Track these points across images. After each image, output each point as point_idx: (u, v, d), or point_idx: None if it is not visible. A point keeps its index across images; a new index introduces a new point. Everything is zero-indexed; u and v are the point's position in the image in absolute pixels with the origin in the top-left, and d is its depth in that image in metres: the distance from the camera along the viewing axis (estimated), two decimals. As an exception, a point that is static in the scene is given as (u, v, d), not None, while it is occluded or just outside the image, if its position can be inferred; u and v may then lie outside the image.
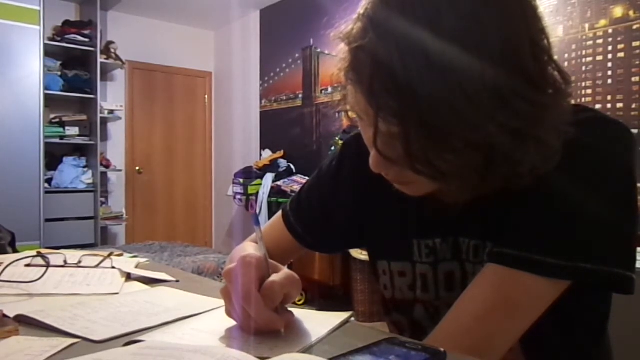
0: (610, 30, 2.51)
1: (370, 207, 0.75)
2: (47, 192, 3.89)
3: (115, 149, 4.91)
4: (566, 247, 0.52)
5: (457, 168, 0.49)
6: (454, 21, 0.46)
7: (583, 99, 2.58)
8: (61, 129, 4.19)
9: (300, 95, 4.47)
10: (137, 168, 5.10)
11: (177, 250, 3.44)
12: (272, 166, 4.32)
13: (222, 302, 0.55)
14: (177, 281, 0.81)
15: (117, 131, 4.94)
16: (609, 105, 2.50)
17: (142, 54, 5.03)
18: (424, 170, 0.49)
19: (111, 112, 4.57)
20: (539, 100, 0.48)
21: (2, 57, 3.59)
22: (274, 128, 4.79)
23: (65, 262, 0.85)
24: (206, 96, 5.60)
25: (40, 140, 3.74)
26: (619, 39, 2.47)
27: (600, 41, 2.54)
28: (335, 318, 0.58)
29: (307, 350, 0.49)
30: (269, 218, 0.85)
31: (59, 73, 4.20)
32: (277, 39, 4.70)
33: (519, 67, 0.47)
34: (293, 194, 0.95)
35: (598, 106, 2.49)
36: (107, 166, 4.58)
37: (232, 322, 0.54)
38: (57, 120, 4.23)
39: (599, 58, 2.54)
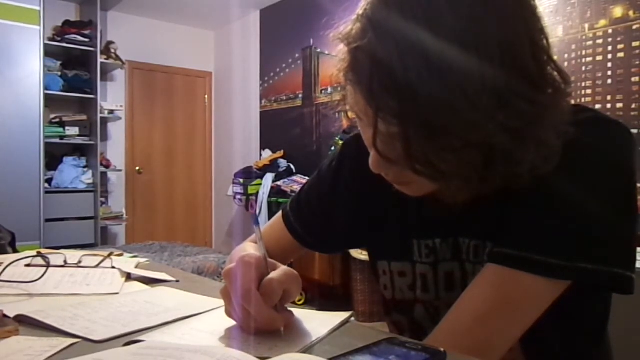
0: (610, 30, 2.51)
1: (370, 207, 0.75)
2: (47, 192, 3.89)
3: (115, 149, 4.91)
4: (566, 247, 0.52)
5: (456, 168, 0.49)
6: (453, 21, 0.46)
7: (583, 99, 2.58)
8: (61, 129, 4.19)
9: (300, 95, 4.47)
10: (137, 168, 5.10)
11: (177, 250, 3.44)
12: (272, 166, 4.32)
13: (222, 302, 0.55)
14: (177, 281, 0.81)
15: (117, 131, 4.94)
16: (608, 105, 2.50)
17: (142, 54, 5.03)
18: (423, 170, 0.50)
19: (111, 112, 4.57)
20: (538, 100, 0.48)
21: (2, 57, 3.59)
22: (274, 128, 4.79)
23: (65, 262, 0.85)
24: (206, 96, 5.60)
25: (40, 140, 3.75)
26: (618, 39, 2.47)
27: (600, 41, 2.54)
28: (335, 318, 0.58)
29: (307, 350, 0.49)
30: (269, 218, 0.85)
31: (59, 73, 4.20)
32: (277, 39, 4.70)
33: (519, 67, 0.47)
34: (293, 194, 0.95)
35: (598, 106, 2.49)
36: (107, 166, 4.58)
37: (232, 322, 0.54)
38: (57, 120, 4.23)
39: (599, 58, 2.54)
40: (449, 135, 0.47)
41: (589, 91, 2.57)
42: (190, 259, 3.08)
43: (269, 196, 4.03)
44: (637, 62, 2.41)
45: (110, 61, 4.54)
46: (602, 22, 2.53)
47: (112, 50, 4.58)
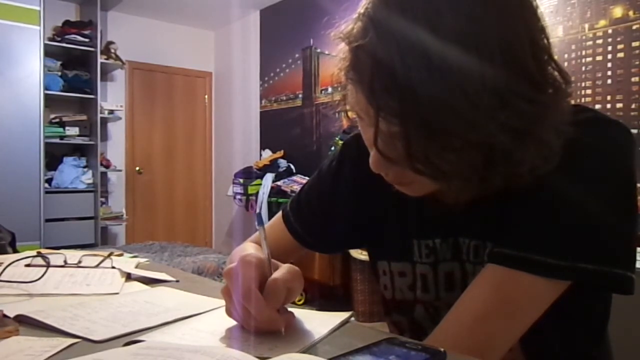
0: (610, 31, 2.51)
1: (370, 207, 0.75)
2: (47, 192, 3.89)
3: (115, 149, 4.91)
4: (566, 247, 0.52)
5: (457, 167, 0.49)
6: (453, 21, 0.46)
7: (583, 99, 2.58)
8: (61, 129, 4.19)
9: (300, 95, 4.47)
10: (137, 168, 5.10)
11: (177, 250, 3.44)
12: (272, 166, 4.32)
13: (222, 302, 0.55)
14: (177, 281, 0.81)
15: (117, 131, 4.94)
16: (608, 105, 2.50)
17: (142, 54, 5.03)
18: (424, 170, 0.49)
19: (111, 112, 4.57)
20: (539, 100, 0.48)
21: (2, 57, 3.59)
22: (274, 128, 4.79)
23: (65, 262, 0.85)
24: (206, 96, 5.60)
25: (40, 140, 3.75)
26: (618, 39, 2.47)
27: (600, 41, 2.54)
28: (335, 318, 0.58)
29: (307, 350, 0.49)
30: (269, 218, 0.85)
31: (59, 73, 4.20)
32: (277, 39, 4.70)
33: (519, 66, 0.47)
34: (293, 194, 0.95)
35: (598, 106, 2.49)
36: (107, 166, 4.58)
37: (232, 322, 0.54)
38: (57, 120, 4.23)
39: (599, 58, 2.54)
40: (449, 134, 0.47)
41: (589, 91, 2.57)
42: (190, 259, 3.08)
43: (269, 196, 4.03)
44: (637, 62, 2.41)
45: (110, 61, 4.54)
46: (602, 22, 2.53)
47: (112, 50, 4.58)
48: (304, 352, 0.48)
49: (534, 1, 0.51)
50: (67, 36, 4.19)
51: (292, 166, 4.32)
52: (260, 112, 4.96)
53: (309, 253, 0.85)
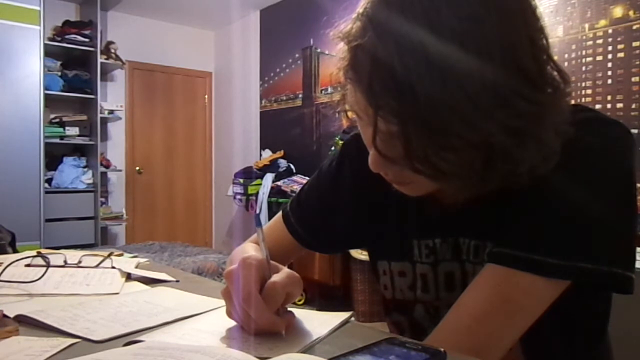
0: (610, 30, 2.51)
1: (370, 207, 0.75)
2: (47, 192, 3.89)
3: (115, 149, 4.91)
4: (566, 247, 0.52)
5: (456, 167, 0.49)
6: (453, 20, 0.46)
7: (583, 99, 2.58)
8: (61, 129, 4.19)
9: (300, 95, 4.47)
10: (137, 168, 5.10)
11: (177, 250, 3.44)
12: (272, 166, 4.32)
13: (222, 302, 0.55)
14: (177, 281, 0.81)
15: (117, 131, 4.94)
16: (609, 105, 2.50)
17: (142, 54, 5.03)
18: (423, 170, 0.49)
19: (111, 112, 4.57)
20: (538, 100, 0.48)
21: (2, 57, 3.59)
22: (274, 128, 4.79)
23: (65, 262, 0.85)
24: (206, 96, 5.60)
25: (40, 140, 3.75)
26: (619, 39, 2.47)
27: (600, 41, 2.54)
28: (335, 318, 0.58)
29: (307, 350, 0.49)
30: (269, 218, 0.85)
31: (59, 73, 4.20)
32: (277, 39, 4.70)
33: (518, 66, 0.47)
34: (293, 194, 0.94)
35: (598, 106, 2.49)
36: (107, 166, 4.58)
37: (231, 322, 0.54)
38: (57, 120, 4.23)
39: (599, 58, 2.54)
40: (448, 134, 0.47)
41: (589, 91, 2.57)
42: (190, 259, 3.08)
43: (269, 196, 4.03)
44: (637, 62, 2.41)
45: (110, 61, 4.54)
46: (602, 22, 2.53)
47: (112, 50, 4.58)
48: (304, 352, 0.48)
49: (533, 1, 0.51)
50: (67, 36, 4.19)
51: (292, 166, 4.32)
52: (260, 112, 4.96)
53: (309, 253, 0.85)
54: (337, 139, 3.71)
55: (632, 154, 0.56)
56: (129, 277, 0.83)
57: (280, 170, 4.24)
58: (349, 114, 0.58)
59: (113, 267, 0.85)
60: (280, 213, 0.83)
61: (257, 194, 4.18)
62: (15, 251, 1.23)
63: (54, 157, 4.19)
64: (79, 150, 4.42)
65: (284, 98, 4.67)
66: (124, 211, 4.77)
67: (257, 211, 4.02)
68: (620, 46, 2.47)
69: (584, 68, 2.59)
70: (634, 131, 2.37)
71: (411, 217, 0.69)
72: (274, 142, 4.72)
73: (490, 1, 0.47)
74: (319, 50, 4.24)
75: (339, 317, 0.58)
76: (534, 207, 0.54)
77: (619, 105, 2.47)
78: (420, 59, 0.45)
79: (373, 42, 0.47)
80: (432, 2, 0.46)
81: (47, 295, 0.70)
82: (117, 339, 0.52)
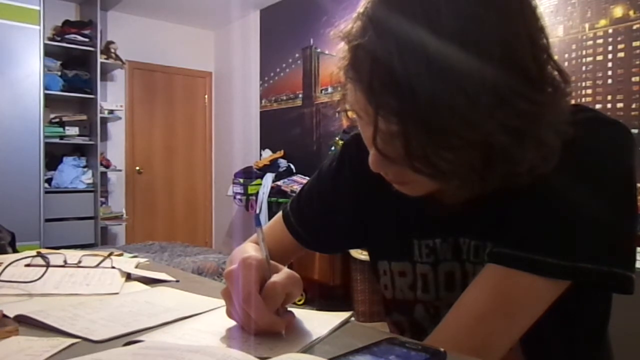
0: (610, 30, 2.51)
1: (370, 207, 0.75)
2: (47, 192, 3.89)
3: (115, 149, 4.91)
4: (566, 247, 0.52)
5: (456, 166, 0.49)
6: (453, 20, 0.46)
7: (583, 99, 2.58)
8: (61, 129, 4.19)
9: (300, 95, 4.47)
10: (137, 168, 5.10)
11: (177, 250, 3.44)
12: (272, 166, 4.32)
13: (222, 302, 0.55)
14: (177, 281, 0.81)
15: (117, 131, 4.94)
16: (609, 105, 2.50)
17: (142, 54, 5.03)
18: (423, 169, 0.49)
19: (111, 112, 4.57)
20: (538, 99, 0.48)
21: (2, 57, 3.59)
22: (274, 128, 4.79)
23: (65, 262, 0.85)
24: (206, 96, 5.60)
25: (40, 140, 3.75)
26: (619, 39, 2.47)
27: (600, 41, 2.54)
28: (335, 318, 0.58)
29: (307, 350, 0.49)
30: (269, 218, 0.85)
31: (59, 73, 4.20)
32: (277, 39, 4.70)
33: (518, 65, 0.47)
34: (293, 194, 0.94)
35: (598, 106, 2.49)
36: (107, 166, 4.57)
37: (232, 322, 0.54)
38: (57, 120, 4.23)
39: (599, 58, 2.54)
40: (448, 133, 0.47)
41: (589, 91, 2.57)
42: (190, 259, 3.08)
43: (269, 196, 4.03)
44: (638, 62, 2.41)
45: (110, 61, 4.54)
46: (602, 22, 2.53)
47: (112, 50, 4.58)
48: (304, 352, 0.48)
49: (533, 1, 0.51)
50: (67, 36, 4.19)
51: (292, 166, 4.32)
52: (260, 112, 4.96)
53: (309, 253, 0.85)
54: (337, 139, 3.71)
55: (632, 154, 0.56)
56: (129, 277, 0.83)
57: (280, 170, 4.24)
58: (349, 114, 0.58)
59: (113, 267, 0.85)
60: (280, 213, 0.83)
61: (257, 194, 4.18)
62: (15, 251, 1.23)
63: (53, 157, 4.19)
64: (79, 150, 4.42)
65: (284, 98, 4.67)
66: (124, 211, 4.77)
67: (257, 211, 4.02)
68: (620, 46, 2.47)
69: (584, 68, 2.59)
70: (634, 131, 2.37)
71: (411, 217, 0.69)
72: (274, 142, 4.72)
73: (490, 1, 0.47)
74: (319, 50, 4.24)
75: (339, 317, 0.58)
76: (534, 207, 0.54)
77: (619, 105, 2.47)
78: (420, 58, 0.45)
79: (373, 41, 0.47)
80: (432, 2, 0.46)
81: (47, 295, 0.70)
82: (117, 339, 0.52)
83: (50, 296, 0.70)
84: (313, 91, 4.32)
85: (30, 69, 3.71)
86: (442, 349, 0.45)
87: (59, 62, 4.23)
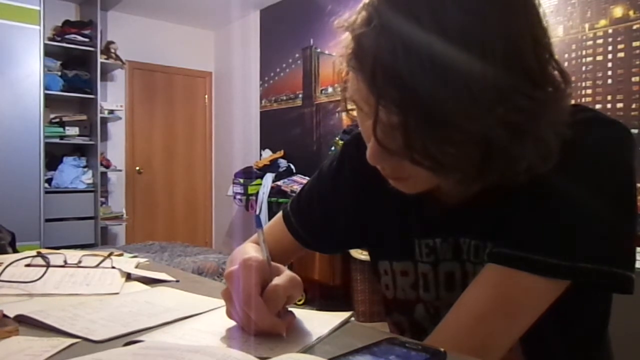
0: (610, 30, 2.51)
1: (370, 207, 0.75)
2: (47, 192, 3.89)
3: (115, 149, 4.91)
4: (565, 247, 0.52)
5: (455, 160, 0.49)
6: (457, 15, 0.46)
7: (583, 99, 2.58)
8: (61, 129, 4.19)
9: (300, 95, 4.47)
10: (137, 168, 5.10)
11: (177, 250, 3.44)
12: (272, 166, 4.32)
13: (222, 302, 0.55)
14: (177, 281, 0.81)
15: (117, 131, 4.95)
16: (609, 105, 2.50)
17: (142, 54, 5.03)
18: (422, 161, 0.49)
19: (111, 112, 4.57)
20: (538, 97, 0.48)
21: (2, 57, 3.59)
22: (274, 128, 4.79)
23: (65, 262, 0.85)
24: (206, 96, 5.60)
25: (40, 140, 3.74)
26: (619, 39, 2.47)
27: (600, 41, 2.54)
28: (336, 318, 0.58)
29: (307, 350, 0.49)
30: (269, 218, 0.85)
31: (59, 73, 4.20)
32: (277, 39, 4.70)
33: (520, 63, 0.47)
34: (293, 194, 0.94)
35: (598, 106, 2.49)
36: (107, 166, 4.58)
37: (232, 322, 0.54)
38: (57, 120, 4.23)
39: (599, 58, 2.54)
40: (448, 126, 0.47)
41: (589, 91, 2.57)
42: (190, 259, 3.08)
43: (269, 196, 4.03)
44: (638, 62, 2.41)
45: (110, 61, 4.54)
46: (602, 22, 2.53)
47: (112, 50, 4.58)
48: (304, 352, 0.48)
49: (536, 0, 0.51)
50: (67, 36, 4.19)
51: (292, 166, 4.32)
52: (260, 112, 4.96)
53: (309, 253, 0.85)
54: (337, 139, 3.71)
55: (632, 153, 0.56)
56: (129, 277, 0.83)
57: (280, 170, 4.24)
58: (351, 113, 0.58)
59: (113, 267, 0.85)
60: (280, 213, 0.83)
61: (257, 194, 4.18)
62: (15, 251, 1.23)
63: (54, 157, 4.19)
64: (79, 150, 4.42)
65: (284, 98, 4.67)
66: (124, 211, 4.77)
67: (257, 211, 4.02)
68: (620, 46, 2.47)
69: (584, 68, 2.59)
70: (634, 131, 2.37)
71: (412, 217, 0.69)
72: (274, 142, 4.72)
73: None
74: (319, 50, 4.24)
75: (339, 317, 0.58)
76: (534, 207, 0.54)
77: (619, 105, 2.47)
78: (424, 51, 0.45)
79: (378, 31, 0.47)
80: None
81: (47, 295, 0.70)
82: (117, 339, 0.52)
83: (50, 296, 0.70)
84: (313, 91, 4.32)
85: (30, 69, 3.71)
86: (442, 349, 0.45)
87: (59, 62, 4.23)
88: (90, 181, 4.30)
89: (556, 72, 0.51)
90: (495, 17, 0.46)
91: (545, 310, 0.54)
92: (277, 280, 0.52)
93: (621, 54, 2.46)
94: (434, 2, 0.46)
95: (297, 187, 3.78)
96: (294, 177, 4.11)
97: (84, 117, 4.34)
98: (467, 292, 0.56)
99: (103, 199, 4.58)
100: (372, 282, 3.13)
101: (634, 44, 2.42)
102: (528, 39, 0.48)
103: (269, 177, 4.17)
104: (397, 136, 0.49)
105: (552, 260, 0.52)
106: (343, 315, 0.58)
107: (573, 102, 0.55)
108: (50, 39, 4.11)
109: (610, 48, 2.50)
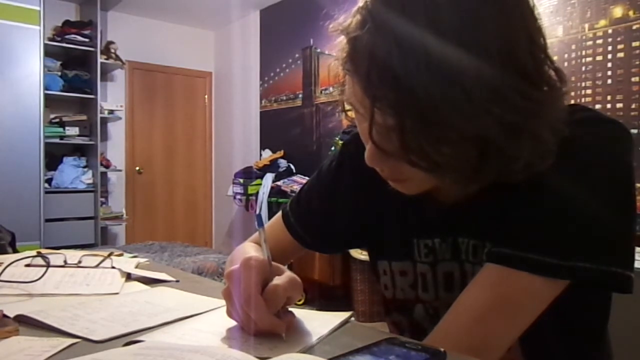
0: (610, 31, 2.51)
1: (370, 207, 0.75)
2: (47, 192, 3.89)
3: (115, 149, 4.91)
4: (564, 247, 0.52)
5: (452, 160, 0.49)
6: (452, 15, 0.46)
7: (583, 99, 2.58)
8: (61, 129, 4.19)
9: (300, 95, 4.47)
10: (137, 168, 5.10)
11: (177, 250, 3.44)
12: (272, 166, 4.32)
13: (222, 302, 0.55)
14: (177, 281, 0.81)
15: (117, 131, 4.95)
16: (608, 105, 2.50)
17: (142, 54, 5.03)
18: (419, 162, 0.50)
19: (111, 112, 4.57)
20: (533, 96, 0.48)
21: (2, 57, 3.59)
22: (274, 128, 4.79)
23: (65, 262, 0.85)
24: (206, 96, 5.60)
25: (40, 140, 3.75)
26: (618, 39, 2.47)
27: (600, 41, 2.54)
28: (336, 318, 0.58)
29: (307, 350, 0.49)
30: (269, 218, 0.85)
31: (59, 73, 4.20)
32: (277, 39, 4.70)
33: (515, 62, 0.47)
34: (293, 194, 0.94)
35: (598, 106, 2.49)
36: (107, 166, 4.58)
37: (232, 322, 0.54)
38: (57, 120, 4.23)
39: (599, 58, 2.54)
40: (444, 126, 0.47)
41: (589, 91, 2.57)
42: (190, 259, 3.08)
43: (269, 196, 4.03)
44: (637, 62, 2.41)
45: (110, 61, 4.54)
46: (602, 22, 2.53)
47: (112, 50, 4.58)
48: (304, 352, 0.48)
49: (531, 1, 0.51)
50: (67, 36, 4.18)
51: (292, 166, 4.32)
52: (260, 112, 4.96)
53: (309, 253, 0.85)
54: (337, 139, 3.71)
55: (630, 152, 0.56)
56: (129, 277, 0.83)
57: (280, 170, 4.24)
58: (350, 113, 0.58)
59: (113, 267, 0.85)
60: (279, 213, 0.83)
61: (257, 194, 4.18)
62: (15, 251, 1.23)
63: (54, 157, 4.19)
64: (79, 150, 4.42)
65: (284, 98, 4.67)
66: (124, 211, 4.77)
67: (257, 211, 4.02)
68: (620, 46, 2.47)
69: (583, 68, 2.59)
70: (634, 131, 2.37)
71: (411, 217, 0.69)
72: (274, 142, 4.72)
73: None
74: (319, 50, 4.24)
75: (339, 317, 0.58)
76: (533, 207, 0.54)
77: (619, 105, 2.47)
78: (418, 51, 0.45)
79: (372, 33, 0.48)
80: None
81: (47, 295, 0.70)
82: (117, 339, 0.52)
83: (50, 296, 0.70)
84: (313, 91, 4.32)
85: (30, 69, 3.71)
86: (442, 349, 0.45)
87: (59, 62, 4.23)
88: (90, 181, 4.30)
89: (552, 72, 0.51)
90: (489, 17, 0.46)
91: (545, 310, 0.54)
92: (277, 281, 0.52)
93: (621, 54, 2.46)
94: (428, 2, 0.46)
95: (297, 187, 3.78)
96: (294, 177, 4.11)
97: (84, 117, 4.34)
98: (466, 292, 0.56)
99: (103, 199, 4.58)
100: (372, 282, 3.13)
101: (634, 44, 2.42)
102: (523, 39, 0.48)
103: (269, 177, 4.17)
104: (394, 138, 0.49)
105: (551, 260, 0.52)
106: (343, 315, 0.59)
107: (572, 102, 0.55)
108: (50, 39, 4.10)
109: (610, 48, 2.50)
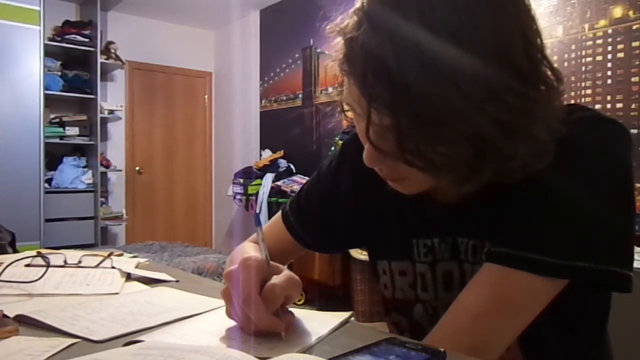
0: (610, 31, 2.51)
1: (369, 207, 0.75)
2: (47, 192, 3.89)
3: (115, 149, 4.91)
4: (563, 246, 0.52)
5: (448, 159, 0.49)
6: (447, 15, 0.46)
7: (583, 99, 2.58)
8: (61, 129, 4.19)
9: (300, 95, 4.47)
10: (137, 168, 5.10)
11: (177, 250, 3.44)
12: (272, 166, 4.32)
13: (222, 302, 0.55)
14: (177, 281, 0.81)
15: (117, 131, 4.95)
16: (608, 105, 2.50)
17: (142, 54, 5.03)
18: (415, 162, 0.50)
19: (111, 112, 4.57)
20: (529, 95, 0.48)
21: (2, 57, 3.59)
22: (274, 128, 4.79)
23: (65, 262, 0.85)
24: (206, 96, 5.60)
25: (40, 140, 3.75)
26: (618, 39, 2.47)
27: (600, 41, 2.54)
28: (335, 318, 0.58)
29: (307, 350, 0.49)
30: (269, 218, 0.85)
31: (59, 73, 4.20)
32: (277, 39, 4.70)
33: (511, 62, 0.47)
34: (293, 194, 0.95)
35: (598, 106, 2.49)
36: (107, 166, 4.58)
37: (232, 322, 0.54)
38: (57, 120, 4.23)
39: (599, 58, 2.54)
40: (440, 126, 0.47)
41: (589, 91, 2.57)
42: (190, 259, 3.08)
43: (269, 196, 4.03)
44: (637, 62, 2.41)
45: (110, 61, 4.54)
46: (602, 22, 2.53)
47: (112, 50, 4.58)
48: (304, 352, 0.48)
49: (527, 2, 0.51)
50: (67, 36, 4.19)
51: (292, 166, 4.32)
52: (260, 112, 4.96)
53: (309, 253, 0.85)
54: (337, 139, 3.71)
55: (629, 152, 0.56)
56: (129, 277, 0.83)
57: (280, 170, 4.25)
58: (349, 114, 0.59)
59: (113, 267, 0.85)
60: (279, 213, 0.83)
61: (257, 194, 4.18)
62: (15, 251, 1.23)
63: (54, 157, 4.19)
64: (79, 150, 4.42)
65: (284, 98, 4.67)
66: (124, 211, 4.77)
67: (257, 211, 4.02)
68: (620, 46, 2.47)
69: (583, 68, 2.59)
70: (634, 131, 2.37)
71: (410, 217, 0.69)
72: (274, 142, 4.72)
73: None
74: (319, 50, 4.24)
75: (339, 317, 0.58)
76: (532, 206, 0.54)
77: (619, 105, 2.47)
78: (413, 51, 0.45)
79: (368, 34, 0.48)
80: None
81: (47, 295, 0.70)
82: (117, 339, 0.52)
83: (50, 296, 0.70)
84: (313, 91, 4.32)
85: (30, 69, 3.71)
86: (442, 349, 0.45)
87: (59, 62, 4.23)
88: (90, 181, 4.30)
89: (549, 72, 0.51)
90: (484, 17, 0.47)
91: (544, 309, 0.54)
92: (274, 280, 0.52)
93: (621, 54, 2.46)
94: (423, 2, 0.46)
95: (297, 187, 3.78)
96: (294, 177, 4.11)
97: (84, 117, 4.34)
98: (465, 292, 0.56)
99: (103, 199, 4.58)
100: (371, 282, 3.13)
101: (634, 44, 2.42)
102: (518, 38, 0.48)
103: (268, 177, 4.17)
104: (390, 138, 0.49)
105: (550, 260, 0.52)
106: (343, 315, 0.59)
107: (572, 102, 0.55)
108: (50, 39, 4.10)
109: (609, 48, 2.50)
